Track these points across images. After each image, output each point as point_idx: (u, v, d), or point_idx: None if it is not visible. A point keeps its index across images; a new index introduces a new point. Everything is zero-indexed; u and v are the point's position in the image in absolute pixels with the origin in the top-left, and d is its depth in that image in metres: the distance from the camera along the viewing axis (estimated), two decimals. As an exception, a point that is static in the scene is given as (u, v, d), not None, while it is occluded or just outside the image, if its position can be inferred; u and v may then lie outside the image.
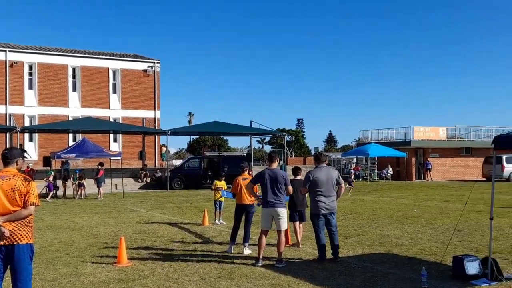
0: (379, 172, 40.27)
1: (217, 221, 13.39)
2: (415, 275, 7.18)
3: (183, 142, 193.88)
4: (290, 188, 8.40)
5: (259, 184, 8.47)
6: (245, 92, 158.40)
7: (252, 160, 35.66)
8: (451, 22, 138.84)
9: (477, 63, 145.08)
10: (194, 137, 71.58)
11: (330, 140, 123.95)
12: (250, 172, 26.83)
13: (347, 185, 26.77)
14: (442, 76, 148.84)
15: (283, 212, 8.27)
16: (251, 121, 34.85)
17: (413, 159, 40.11)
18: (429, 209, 17.00)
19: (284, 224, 8.28)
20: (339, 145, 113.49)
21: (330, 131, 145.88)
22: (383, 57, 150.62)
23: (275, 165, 8.47)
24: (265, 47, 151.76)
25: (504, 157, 35.30)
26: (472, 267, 7.01)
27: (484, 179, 34.86)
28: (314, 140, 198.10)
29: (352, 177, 28.03)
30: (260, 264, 8.06)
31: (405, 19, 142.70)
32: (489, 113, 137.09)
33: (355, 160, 46.69)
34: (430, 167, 39.43)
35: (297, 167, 10.18)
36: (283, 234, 8.25)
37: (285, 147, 42.41)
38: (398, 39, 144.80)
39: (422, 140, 40.29)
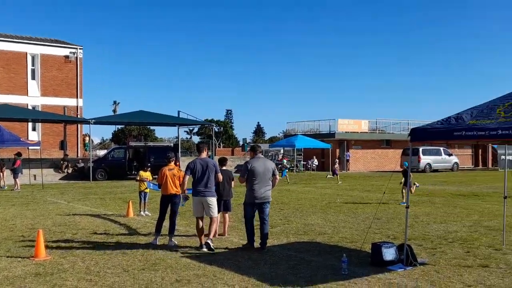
0: (305, 163, 41.23)
1: (142, 213, 13.13)
2: (336, 262, 7.41)
3: (107, 131, 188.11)
4: (220, 175, 8.91)
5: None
6: (173, 81, 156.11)
7: (180, 150, 35.22)
8: (365, 12, 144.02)
9: (396, 57, 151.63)
10: (119, 126, 69.60)
11: (258, 132, 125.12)
12: (178, 163, 26.48)
13: (332, 175, 28.39)
14: (365, 69, 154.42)
15: (213, 201, 8.67)
16: (178, 111, 34.38)
17: (337, 150, 41.42)
18: (351, 198, 17.64)
19: (215, 211, 8.73)
20: (267, 137, 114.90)
21: (258, 122, 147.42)
22: (309, 50, 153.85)
23: (204, 155, 8.89)
24: (191, 34, 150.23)
25: (420, 149, 37.28)
26: (389, 254, 7.34)
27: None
28: (243, 131, 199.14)
29: (336, 165, 29.14)
30: (204, 249, 8.36)
31: (320, 6, 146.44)
32: (408, 107, 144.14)
33: (282, 151, 47.49)
34: (348, 158, 41.05)
35: (224, 158, 10.18)
36: (215, 220, 8.72)
37: (213, 138, 42.33)
38: (322, 32, 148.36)
39: (346, 132, 41.70)
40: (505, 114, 6.06)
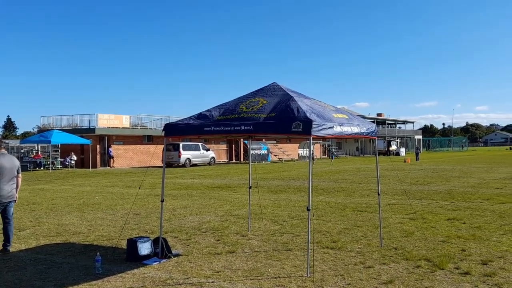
0: (62, 160, 38.85)
1: None
2: (90, 262, 7.13)
3: None
4: None
5: None
6: None
7: None
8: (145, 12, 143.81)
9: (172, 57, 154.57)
10: None
11: (9, 126, 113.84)
12: None
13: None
14: (119, 64, 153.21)
15: None
16: None
17: (98, 146, 40.13)
18: (111, 195, 17.24)
19: None
20: (19, 132, 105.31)
21: (8, 116, 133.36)
22: (65, 45, 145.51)
23: None
24: None
25: (181, 145, 38.68)
26: (144, 248, 7.37)
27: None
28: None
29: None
30: None
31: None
32: (168, 103, 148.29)
33: (37, 147, 43.95)
34: (111, 154, 40.30)
35: None
36: None
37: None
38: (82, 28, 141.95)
39: (107, 127, 40.65)
40: (247, 109, 6.66)
